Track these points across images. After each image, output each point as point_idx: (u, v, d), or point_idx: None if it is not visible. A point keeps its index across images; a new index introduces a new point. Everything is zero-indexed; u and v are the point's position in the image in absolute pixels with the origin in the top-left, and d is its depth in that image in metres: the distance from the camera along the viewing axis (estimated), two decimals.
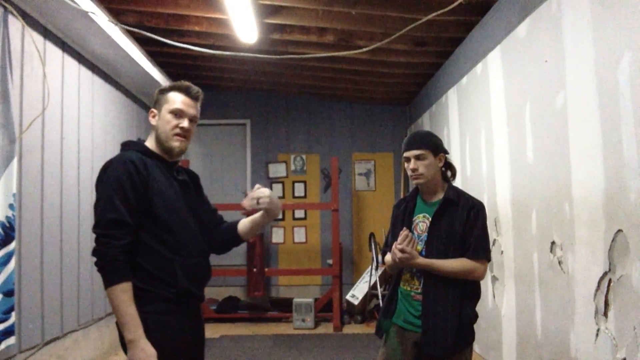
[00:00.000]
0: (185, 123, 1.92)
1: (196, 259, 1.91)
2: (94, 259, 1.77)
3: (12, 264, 3.05)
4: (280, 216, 7.14)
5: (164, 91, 1.96)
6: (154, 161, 1.90)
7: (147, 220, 1.82)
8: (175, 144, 1.92)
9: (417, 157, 2.26)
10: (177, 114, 1.91)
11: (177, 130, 1.91)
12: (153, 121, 1.96)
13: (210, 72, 6.35)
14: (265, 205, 1.93)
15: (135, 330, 1.71)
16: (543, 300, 3.15)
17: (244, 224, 2.08)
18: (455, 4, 3.40)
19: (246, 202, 1.93)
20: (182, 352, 1.86)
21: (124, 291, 1.72)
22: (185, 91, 1.94)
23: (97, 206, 1.81)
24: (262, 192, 1.93)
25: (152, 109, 1.97)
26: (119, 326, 1.75)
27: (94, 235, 1.78)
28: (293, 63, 5.53)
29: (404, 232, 2.20)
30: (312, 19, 4.43)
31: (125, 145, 1.98)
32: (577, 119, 2.71)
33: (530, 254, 3.30)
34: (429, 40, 4.76)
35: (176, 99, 1.92)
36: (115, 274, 1.72)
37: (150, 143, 1.97)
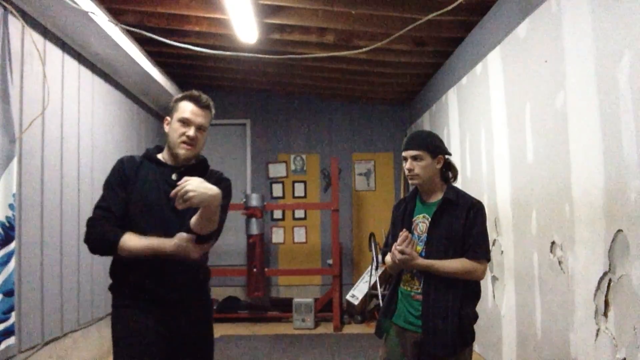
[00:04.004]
0: (191, 132, 1.99)
1: (164, 260, 1.90)
2: (94, 253, 1.98)
3: (12, 264, 3.05)
4: (281, 216, 7.15)
5: (177, 100, 2.06)
6: (152, 164, 2.03)
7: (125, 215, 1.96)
8: (181, 151, 2.01)
9: (414, 158, 2.26)
10: (185, 122, 2.00)
11: (184, 138, 1.99)
12: (166, 128, 2.07)
13: (210, 72, 6.35)
14: (194, 201, 1.75)
15: (163, 243, 1.85)
16: (543, 300, 3.15)
17: (192, 219, 1.93)
18: (455, 4, 3.40)
19: (177, 204, 1.78)
20: (140, 348, 1.90)
21: (129, 238, 1.87)
22: (195, 100, 2.02)
23: None
24: (184, 189, 1.75)
25: (166, 117, 2.08)
26: (160, 253, 1.86)
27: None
28: (293, 63, 5.53)
29: (404, 234, 2.20)
30: (312, 19, 4.43)
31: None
32: (577, 119, 2.71)
33: (530, 254, 3.30)
34: (429, 40, 4.76)
35: (186, 108, 2.01)
36: (110, 235, 1.88)
37: (165, 148, 2.10)
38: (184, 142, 2.00)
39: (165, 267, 1.93)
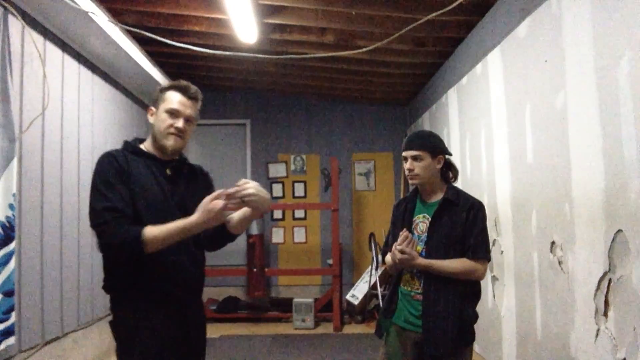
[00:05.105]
0: (180, 123, 1.91)
1: (175, 258, 1.86)
2: (120, 258, 1.82)
3: (12, 264, 3.05)
4: (281, 216, 7.15)
5: (163, 90, 1.96)
6: (141, 159, 1.91)
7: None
8: (169, 142, 1.92)
9: (414, 158, 2.27)
10: (173, 113, 1.91)
11: (172, 130, 1.91)
12: (151, 119, 1.97)
13: (210, 72, 6.35)
14: (254, 204, 1.80)
15: (188, 221, 1.76)
16: (543, 300, 3.15)
17: (232, 218, 1.97)
18: (455, 4, 3.40)
19: (231, 206, 1.77)
20: (153, 351, 1.82)
21: (151, 229, 1.74)
22: (183, 91, 1.93)
23: (89, 204, 1.83)
24: (247, 191, 1.77)
25: (151, 107, 1.98)
26: (189, 231, 1.78)
27: (94, 235, 1.81)
28: (293, 63, 5.53)
29: (404, 233, 2.20)
30: (312, 19, 4.43)
31: (122, 145, 2.00)
32: (577, 119, 2.71)
33: (530, 254, 3.30)
34: (429, 40, 4.76)
35: (173, 99, 1.92)
36: (132, 233, 1.74)
37: (148, 141, 1.99)
38: (171, 134, 1.91)
39: (174, 263, 1.87)
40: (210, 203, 1.74)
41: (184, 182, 2.00)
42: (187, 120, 1.93)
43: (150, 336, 1.82)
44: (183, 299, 1.92)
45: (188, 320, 1.95)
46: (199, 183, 2.06)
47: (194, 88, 1.96)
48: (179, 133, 1.91)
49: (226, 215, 1.84)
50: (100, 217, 1.76)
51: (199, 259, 1.99)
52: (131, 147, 1.95)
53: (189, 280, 1.94)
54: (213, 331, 5.54)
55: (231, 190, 1.76)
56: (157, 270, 1.83)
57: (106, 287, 1.92)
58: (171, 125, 1.90)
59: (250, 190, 1.76)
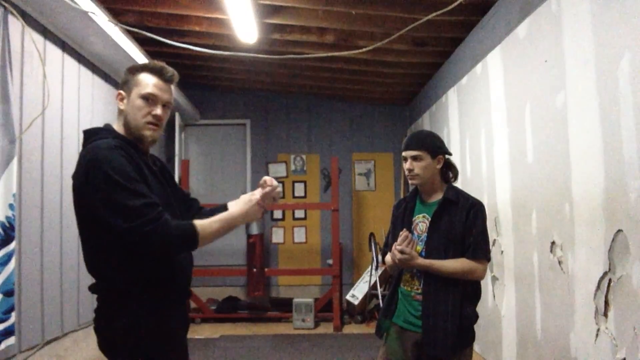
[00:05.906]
0: (158, 110, 1.71)
1: (184, 255, 1.79)
2: (176, 254, 1.72)
3: (12, 264, 3.05)
4: (281, 216, 7.15)
5: (135, 71, 1.73)
6: (133, 151, 1.70)
7: None
8: (147, 132, 1.71)
9: (414, 158, 2.27)
10: (149, 99, 1.70)
11: (149, 118, 1.70)
12: (121, 105, 1.74)
13: (210, 72, 6.35)
14: (279, 199, 1.86)
15: (230, 216, 1.73)
16: (543, 300, 3.15)
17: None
18: (455, 4, 3.40)
19: (267, 203, 1.80)
20: (175, 354, 1.77)
21: (202, 224, 1.66)
22: (159, 73, 1.72)
23: (106, 203, 1.56)
24: (278, 189, 1.82)
25: (120, 91, 1.74)
26: (232, 227, 1.75)
27: (132, 234, 1.57)
28: (293, 63, 5.52)
29: (404, 233, 2.20)
30: (312, 19, 4.43)
31: (95, 134, 1.73)
32: (577, 119, 2.71)
33: (530, 254, 3.30)
34: (429, 40, 4.76)
35: (148, 82, 1.70)
36: (188, 229, 1.63)
37: (120, 129, 1.75)
38: (150, 123, 1.70)
39: (185, 261, 1.79)
40: (255, 199, 1.77)
41: (162, 176, 1.87)
42: (165, 106, 1.74)
43: (174, 338, 1.73)
44: (188, 294, 1.89)
45: (185, 313, 1.92)
46: (169, 175, 1.94)
47: (170, 70, 1.75)
48: (157, 121, 1.72)
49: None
50: (144, 215, 1.54)
51: (192, 256, 1.90)
52: (121, 137, 1.72)
53: (191, 274, 1.88)
54: (213, 331, 5.54)
55: (267, 190, 1.80)
56: (175, 269, 1.72)
57: (104, 290, 1.69)
58: (148, 113, 1.70)
59: (280, 188, 1.83)
